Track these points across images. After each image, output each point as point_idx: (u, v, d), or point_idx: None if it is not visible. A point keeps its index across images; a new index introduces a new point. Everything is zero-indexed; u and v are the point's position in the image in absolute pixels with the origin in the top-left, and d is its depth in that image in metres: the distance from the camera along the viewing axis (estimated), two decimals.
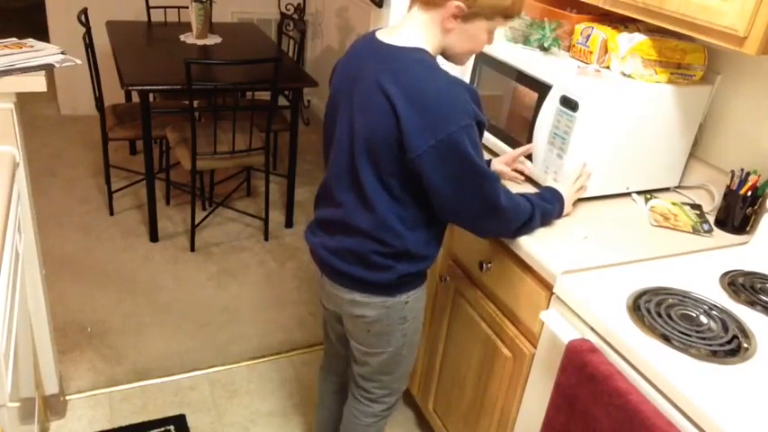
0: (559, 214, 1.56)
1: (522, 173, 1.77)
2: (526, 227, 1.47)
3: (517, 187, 1.75)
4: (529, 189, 1.75)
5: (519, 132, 1.79)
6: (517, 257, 1.52)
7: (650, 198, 1.75)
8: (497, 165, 1.73)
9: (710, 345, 1.18)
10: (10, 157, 1.65)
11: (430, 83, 1.23)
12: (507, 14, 1.29)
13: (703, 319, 1.26)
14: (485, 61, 1.92)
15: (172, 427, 2.11)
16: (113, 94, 3.42)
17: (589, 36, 1.77)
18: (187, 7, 3.47)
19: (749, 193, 1.58)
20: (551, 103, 1.65)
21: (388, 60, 1.28)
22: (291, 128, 3.19)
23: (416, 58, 1.28)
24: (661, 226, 1.62)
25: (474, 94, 1.26)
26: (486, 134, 1.93)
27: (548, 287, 1.42)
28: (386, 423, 1.72)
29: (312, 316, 2.73)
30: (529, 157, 1.75)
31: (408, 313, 1.49)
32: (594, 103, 1.57)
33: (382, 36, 1.34)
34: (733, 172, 1.63)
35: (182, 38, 3.45)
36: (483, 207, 1.32)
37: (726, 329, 1.23)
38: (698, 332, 1.22)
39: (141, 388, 2.26)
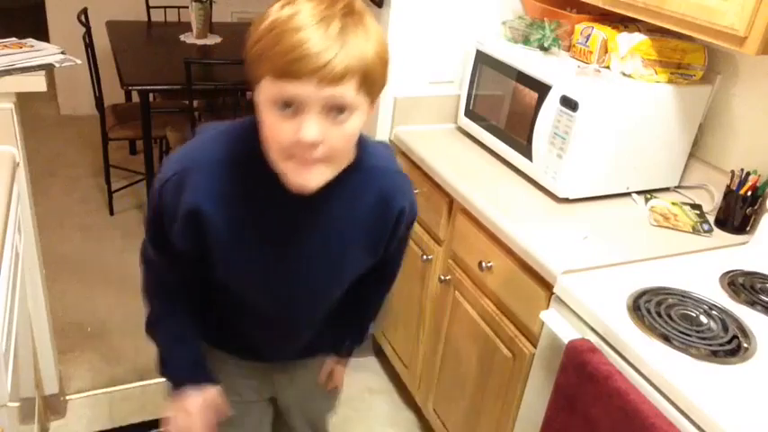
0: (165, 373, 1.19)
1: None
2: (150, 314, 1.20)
3: (515, 187, 1.75)
4: (529, 189, 1.75)
5: (519, 132, 1.79)
6: (517, 257, 1.52)
7: (650, 198, 1.75)
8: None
9: (710, 345, 1.18)
10: (10, 157, 1.65)
11: None
12: (272, 69, 0.83)
13: (703, 319, 1.26)
14: (485, 61, 1.92)
15: None
16: (113, 94, 3.42)
17: (589, 36, 1.77)
18: (187, 7, 3.47)
19: (749, 193, 1.58)
20: (551, 103, 1.65)
21: None
22: None
23: None
24: (661, 226, 1.62)
25: (188, 177, 0.97)
26: (487, 134, 1.93)
27: (548, 287, 1.42)
28: None
29: None
30: (528, 155, 1.75)
31: None
32: (594, 103, 1.57)
33: None
34: (733, 172, 1.62)
35: (182, 38, 3.45)
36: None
37: (726, 329, 1.23)
38: (698, 332, 1.22)
39: (141, 388, 2.26)
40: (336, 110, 0.84)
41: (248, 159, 0.96)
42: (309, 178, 0.90)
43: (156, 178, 1.01)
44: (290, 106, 0.84)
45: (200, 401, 1.16)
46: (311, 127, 0.83)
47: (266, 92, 0.85)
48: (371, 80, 0.85)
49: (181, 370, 1.18)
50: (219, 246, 1.01)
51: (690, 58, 1.66)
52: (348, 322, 1.31)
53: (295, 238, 1.03)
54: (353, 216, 1.05)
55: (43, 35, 3.78)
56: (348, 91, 0.83)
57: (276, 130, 0.86)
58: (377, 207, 1.06)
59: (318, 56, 0.80)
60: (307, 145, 0.84)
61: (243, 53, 0.87)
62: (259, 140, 0.92)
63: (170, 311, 1.17)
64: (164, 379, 1.19)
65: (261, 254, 1.04)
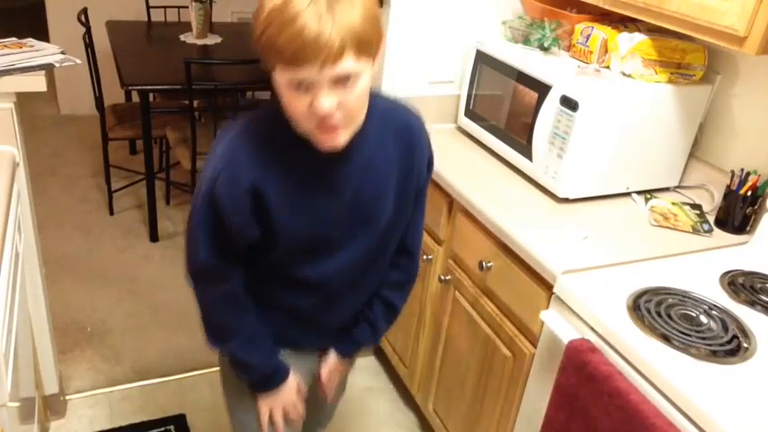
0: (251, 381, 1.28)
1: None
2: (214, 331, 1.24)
3: (515, 187, 1.75)
4: (529, 189, 1.75)
5: (519, 132, 1.79)
6: (517, 257, 1.51)
7: (650, 198, 1.75)
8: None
9: (710, 345, 1.18)
10: (10, 156, 1.65)
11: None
12: (281, 60, 0.93)
13: (703, 318, 1.26)
14: (485, 61, 1.92)
15: (172, 427, 2.11)
16: (113, 94, 3.42)
17: (589, 36, 1.77)
18: (187, 7, 3.47)
19: (749, 193, 1.58)
20: (551, 103, 1.65)
21: None
22: None
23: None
24: (661, 226, 1.62)
25: (236, 165, 1.06)
26: (487, 134, 1.93)
27: (548, 287, 1.42)
28: None
29: None
30: (528, 155, 1.75)
31: None
32: (594, 103, 1.57)
33: None
34: (733, 172, 1.62)
35: (182, 38, 3.45)
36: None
37: (726, 329, 1.23)
38: (698, 332, 1.22)
39: (141, 388, 2.26)
40: (343, 80, 0.94)
41: (279, 135, 1.07)
42: (336, 139, 1.02)
43: (201, 187, 1.09)
44: (302, 86, 0.95)
45: (294, 386, 1.30)
46: (324, 101, 0.95)
47: (281, 78, 0.96)
48: (367, 43, 0.94)
49: (267, 367, 1.26)
50: (279, 217, 1.10)
51: (690, 58, 1.66)
52: (375, 305, 1.34)
53: (337, 189, 1.13)
54: (381, 157, 1.15)
55: (43, 35, 3.78)
56: (348, 63, 0.93)
57: (296, 106, 0.98)
58: (397, 144, 1.17)
59: (316, 41, 0.89)
60: (324, 115, 0.96)
61: (252, 46, 0.98)
62: (282, 118, 1.04)
63: (241, 320, 1.22)
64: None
65: (314, 211, 1.13)
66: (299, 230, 1.13)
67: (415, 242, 1.34)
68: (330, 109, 0.96)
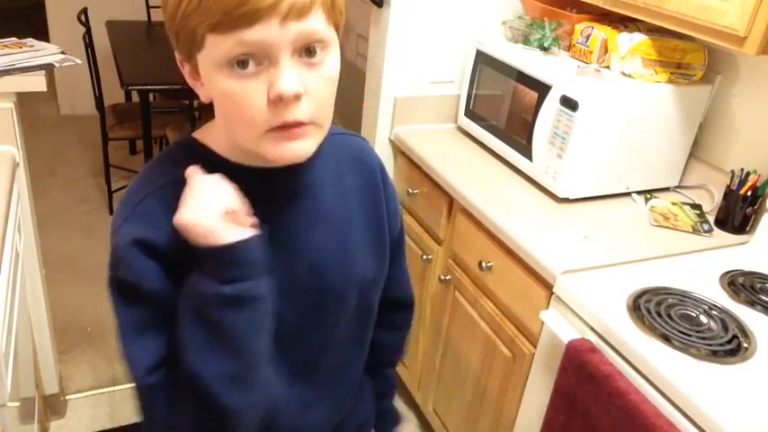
0: None
1: None
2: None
3: (515, 187, 1.76)
4: (530, 189, 1.75)
5: (519, 132, 1.79)
6: (517, 257, 1.51)
7: (650, 198, 1.75)
8: None
9: (710, 345, 1.18)
10: (10, 157, 1.65)
11: None
12: (218, 19, 0.64)
13: (703, 318, 1.26)
14: (485, 61, 1.92)
15: None
16: (113, 94, 3.42)
17: (589, 36, 1.77)
18: None
19: (749, 193, 1.58)
20: (551, 103, 1.65)
21: None
22: None
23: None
24: (661, 226, 1.62)
25: (140, 216, 0.77)
26: (487, 134, 1.93)
27: (548, 287, 1.42)
28: None
29: None
30: (528, 155, 1.75)
31: None
32: (594, 103, 1.57)
33: None
34: (733, 172, 1.62)
35: None
36: None
37: (726, 329, 1.23)
38: (698, 332, 1.22)
39: None
40: (307, 51, 0.67)
41: (206, 167, 0.75)
42: (298, 146, 0.70)
43: (111, 252, 0.76)
44: (246, 64, 0.66)
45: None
46: (288, 76, 0.66)
47: (213, 54, 0.67)
48: (337, 8, 0.70)
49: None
50: None
51: (690, 58, 1.66)
52: (377, 369, 1.09)
53: (288, 246, 0.80)
54: (339, 198, 0.85)
55: (43, 35, 3.78)
56: (318, 23, 0.67)
57: (242, 97, 0.67)
58: (357, 179, 0.88)
59: None
60: (289, 100, 0.66)
61: (166, 26, 0.72)
62: (205, 148, 0.78)
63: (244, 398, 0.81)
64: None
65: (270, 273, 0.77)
66: None
67: (411, 292, 1.08)
68: (297, 88, 0.66)
